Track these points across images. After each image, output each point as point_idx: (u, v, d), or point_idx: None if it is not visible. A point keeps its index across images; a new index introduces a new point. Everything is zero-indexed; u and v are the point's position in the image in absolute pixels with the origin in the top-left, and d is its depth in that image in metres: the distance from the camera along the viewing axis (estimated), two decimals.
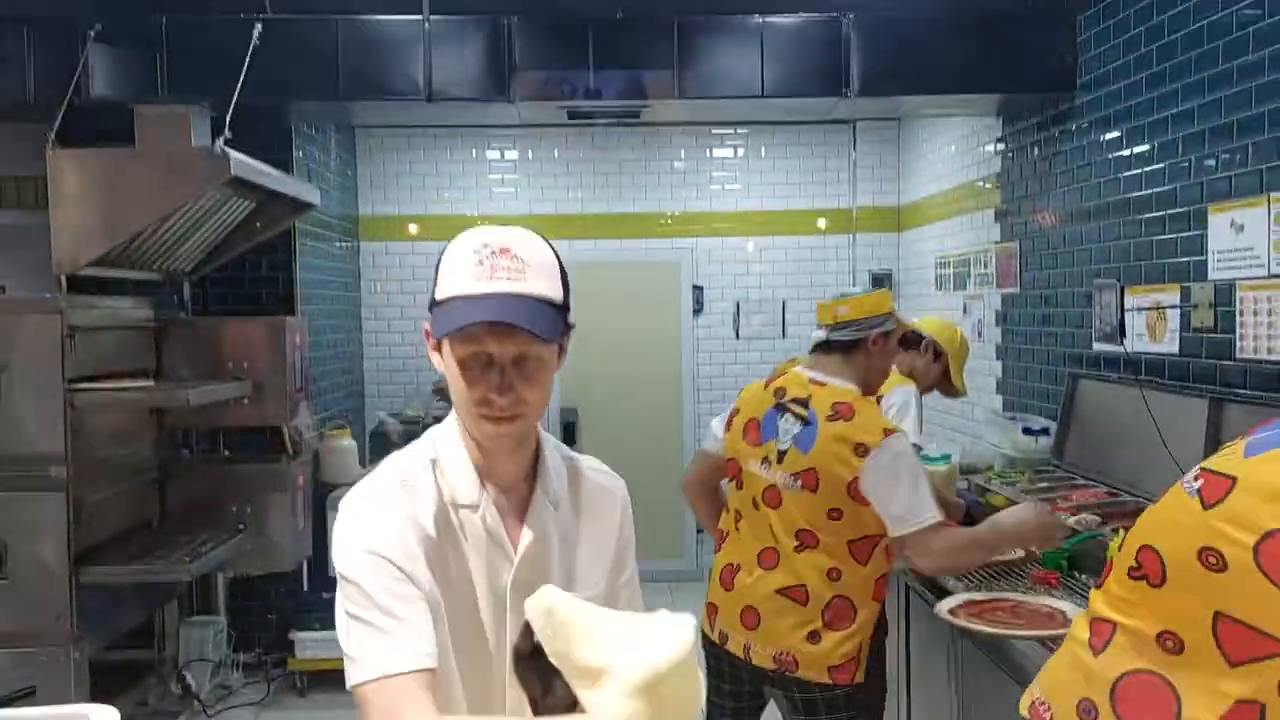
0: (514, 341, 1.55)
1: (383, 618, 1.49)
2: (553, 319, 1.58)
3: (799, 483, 2.96)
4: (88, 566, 4.30)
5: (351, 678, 1.49)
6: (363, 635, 1.50)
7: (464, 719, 1.60)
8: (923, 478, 2.93)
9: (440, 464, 1.66)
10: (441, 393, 6.73)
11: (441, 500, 1.63)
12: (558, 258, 1.65)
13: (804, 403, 3.03)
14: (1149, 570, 1.48)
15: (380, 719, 1.45)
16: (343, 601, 1.54)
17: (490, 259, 1.56)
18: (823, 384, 3.05)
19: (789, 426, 3.03)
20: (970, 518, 3.96)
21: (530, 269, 1.57)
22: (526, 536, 1.66)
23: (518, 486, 1.69)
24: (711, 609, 3.18)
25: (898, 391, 3.75)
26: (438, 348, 1.62)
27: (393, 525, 1.56)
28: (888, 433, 2.90)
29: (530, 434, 1.69)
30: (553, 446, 1.77)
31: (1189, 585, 1.43)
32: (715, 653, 3.15)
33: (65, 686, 4.14)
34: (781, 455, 3.01)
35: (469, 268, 1.56)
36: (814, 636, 2.95)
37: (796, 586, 2.96)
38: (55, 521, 4.20)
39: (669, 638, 1.32)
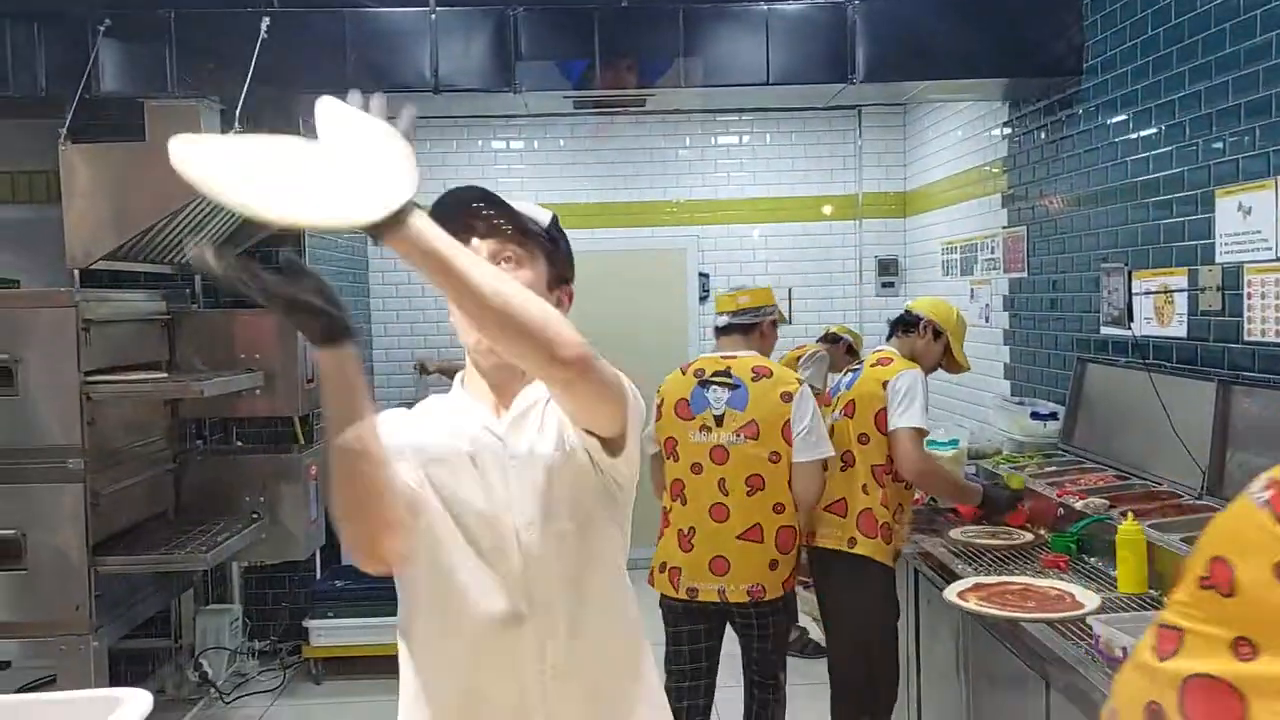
0: (493, 234, 1.75)
1: None
2: (532, 227, 1.79)
3: (742, 436, 3.66)
4: (105, 556, 4.35)
5: None
6: None
7: None
8: (820, 420, 3.75)
9: (440, 398, 1.93)
10: (422, 367, 6.80)
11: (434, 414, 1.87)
12: (554, 216, 1.87)
13: (726, 373, 3.77)
14: (1219, 580, 1.49)
15: None
16: None
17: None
18: (734, 357, 3.82)
19: (719, 395, 3.74)
20: (988, 500, 4.01)
21: (514, 201, 1.78)
22: (505, 414, 1.84)
23: (508, 391, 1.86)
24: (674, 572, 3.74)
25: (903, 376, 3.82)
26: None
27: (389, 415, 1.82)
28: (799, 382, 3.81)
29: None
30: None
31: (1262, 598, 1.43)
32: (685, 608, 3.74)
33: (84, 675, 4.19)
34: (719, 419, 3.71)
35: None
36: (773, 565, 3.66)
37: (752, 527, 3.64)
38: (73, 512, 4.25)
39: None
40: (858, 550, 3.77)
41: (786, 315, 4.77)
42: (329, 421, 1.52)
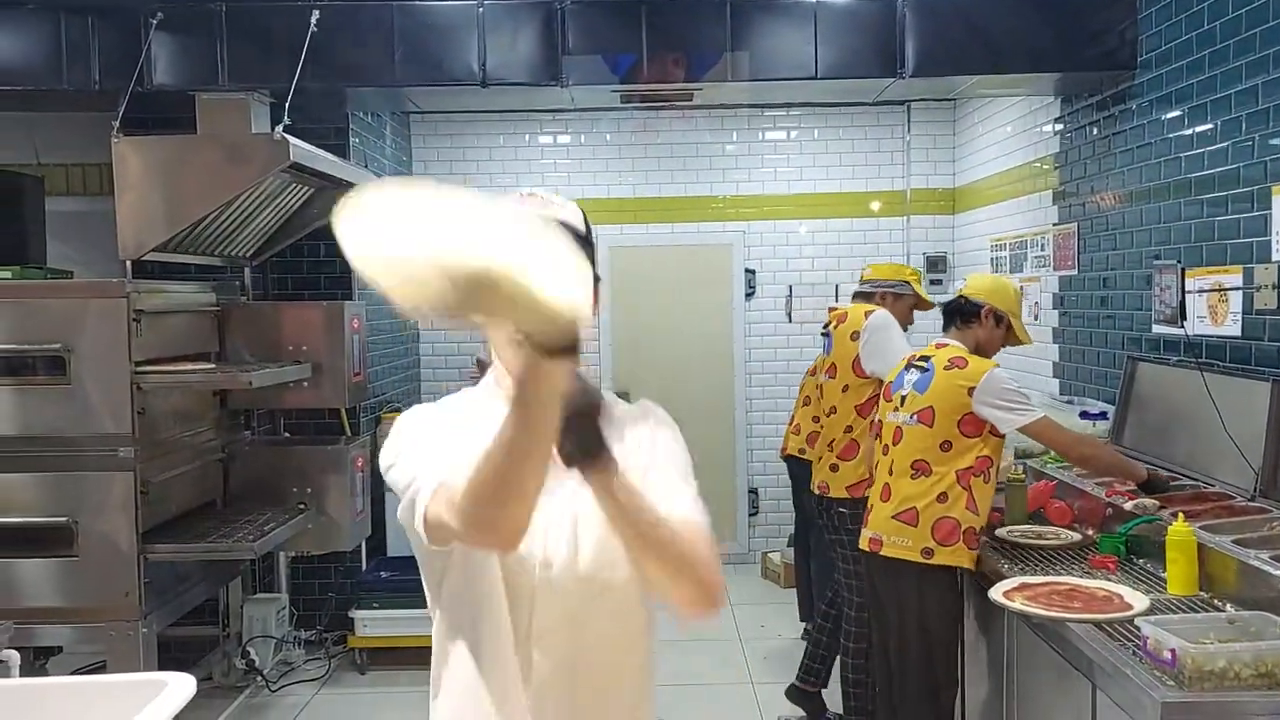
0: None
1: (416, 460, 1.65)
2: (579, 245, 1.63)
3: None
4: (155, 544, 4.40)
5: (415, 519, 1.61)
6: (405, 484, 1.65)
7: None
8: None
9: (473, 396, 1.82)
10: (481, 365, 6.80)
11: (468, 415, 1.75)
12: (584, 214, 1.77)
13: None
14: None
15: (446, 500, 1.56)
16: (391, 483, 1.71)
17: (519, 199, 1.71)
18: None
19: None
20: (1153, 480, 3.79)
21: (553, 203, 1.71)
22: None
23: None
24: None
25: (989, 382, 3.67)
26: None
27: (421, 411, 1.79)
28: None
29: None
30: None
31: None
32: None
33: (134, 661, 4.25)
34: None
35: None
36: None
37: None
38: (124, 500, 4.31)
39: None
40: (936, 561, 3.66)
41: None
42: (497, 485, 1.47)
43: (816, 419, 5.13)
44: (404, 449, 1.70)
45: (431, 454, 1.64)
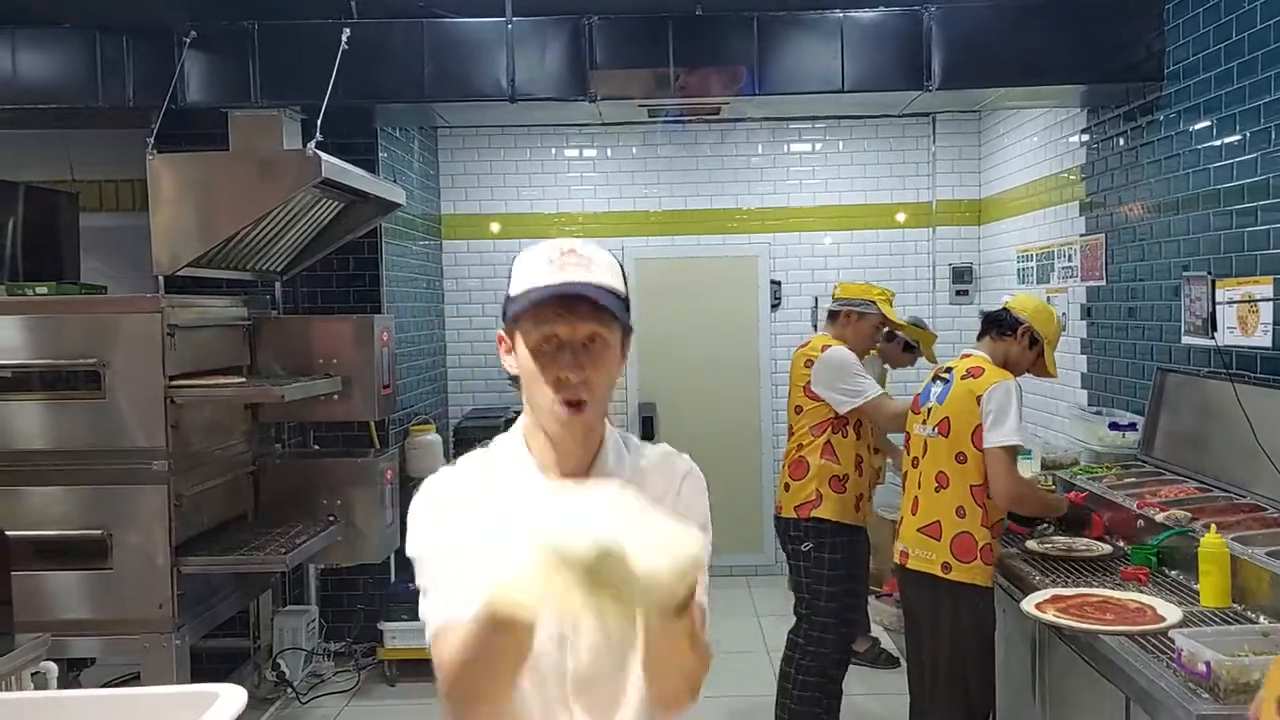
0: (583, 322, 1.64)
1: (444, 577, 1.64)
2: (617, 302, 1.66)
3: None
4: (188, 557, 4.45)
5: (426, 635, 1.67)
6: (433, 601, 1.66)
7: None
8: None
9: (496, 458, 1.77)
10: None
11: (496, 491, 1.70)
12: (620, 263, 1.75)
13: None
14: None
15: (438, 658, 1.60)
16: (417, 578, 1.71)
17: (559, 258, 1.66)
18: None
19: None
20: (1071, 514, 3.91)
21: (596, 264, 1.67)
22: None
23: (578, 475, 1.72)
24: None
25: (996, 390, 3.66)
26: (511, 349, 1.72)
27: (442, 489, 1.73)
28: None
29: (597, 426, 1.74)
30: (617, 437, 1.81)
31: None
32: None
33: (167, 672, 4.29)
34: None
35: (541, 265, 1.66)
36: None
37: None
38: (157, 513, 4.35)
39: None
40: (953, 576, 3.69)
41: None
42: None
43: None
44: (424, 556, 1.69)
45: (447, 573, 1.63)
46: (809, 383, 4.62)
